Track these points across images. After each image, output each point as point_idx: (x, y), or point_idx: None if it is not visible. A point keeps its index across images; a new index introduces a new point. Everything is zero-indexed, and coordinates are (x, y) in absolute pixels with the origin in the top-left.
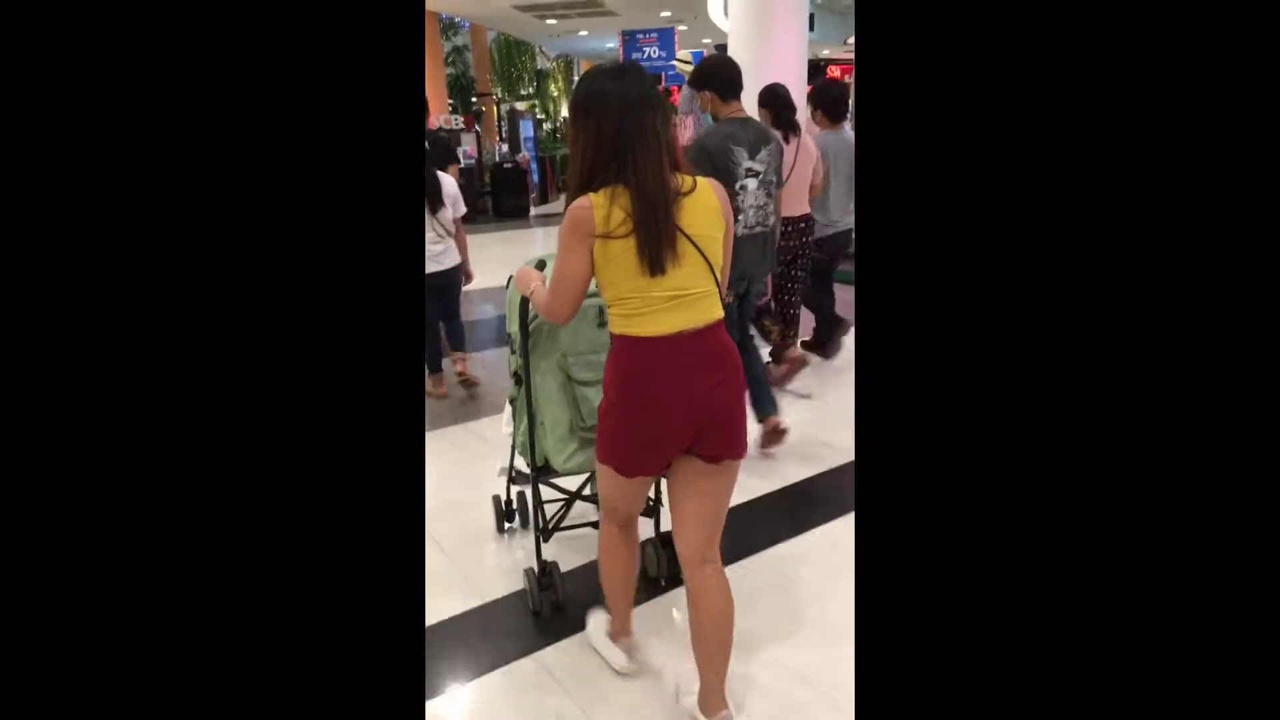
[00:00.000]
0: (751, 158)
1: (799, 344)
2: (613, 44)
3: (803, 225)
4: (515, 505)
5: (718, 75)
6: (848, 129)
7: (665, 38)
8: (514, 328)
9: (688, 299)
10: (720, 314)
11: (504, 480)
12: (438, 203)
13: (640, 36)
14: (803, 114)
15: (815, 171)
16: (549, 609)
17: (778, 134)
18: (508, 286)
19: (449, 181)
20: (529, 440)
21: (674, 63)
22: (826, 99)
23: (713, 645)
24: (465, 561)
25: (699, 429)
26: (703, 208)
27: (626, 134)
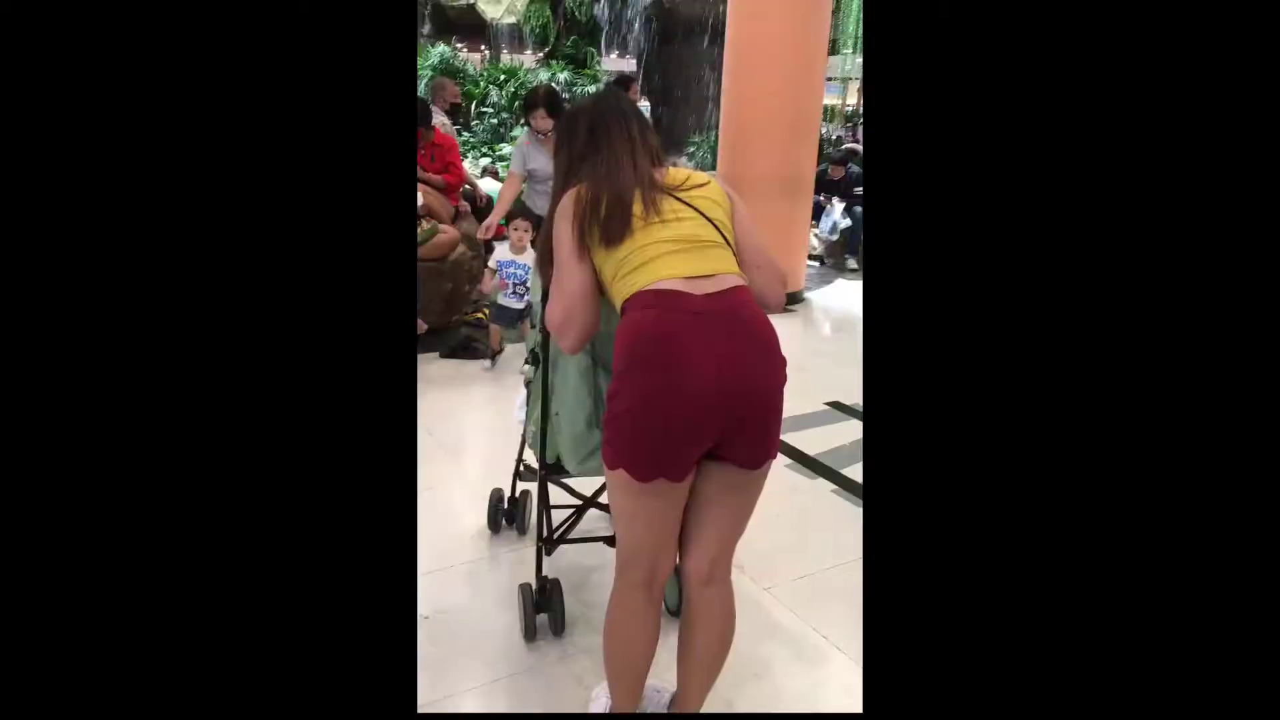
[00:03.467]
0: None
1: None
2: None
3: None
4: (519, 505)
5: None
6: None
7: None
8: (537, 297)
9: (696, 245)
10: (743, 278)
11: (509, 475)
12: None
13: None
14: None
15: None
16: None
17: None
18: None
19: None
20: (540, 433)
21: None
22: None
23: (709, 669)
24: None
25: (733, 416)
26: (706, 195)
27: (594, 140)
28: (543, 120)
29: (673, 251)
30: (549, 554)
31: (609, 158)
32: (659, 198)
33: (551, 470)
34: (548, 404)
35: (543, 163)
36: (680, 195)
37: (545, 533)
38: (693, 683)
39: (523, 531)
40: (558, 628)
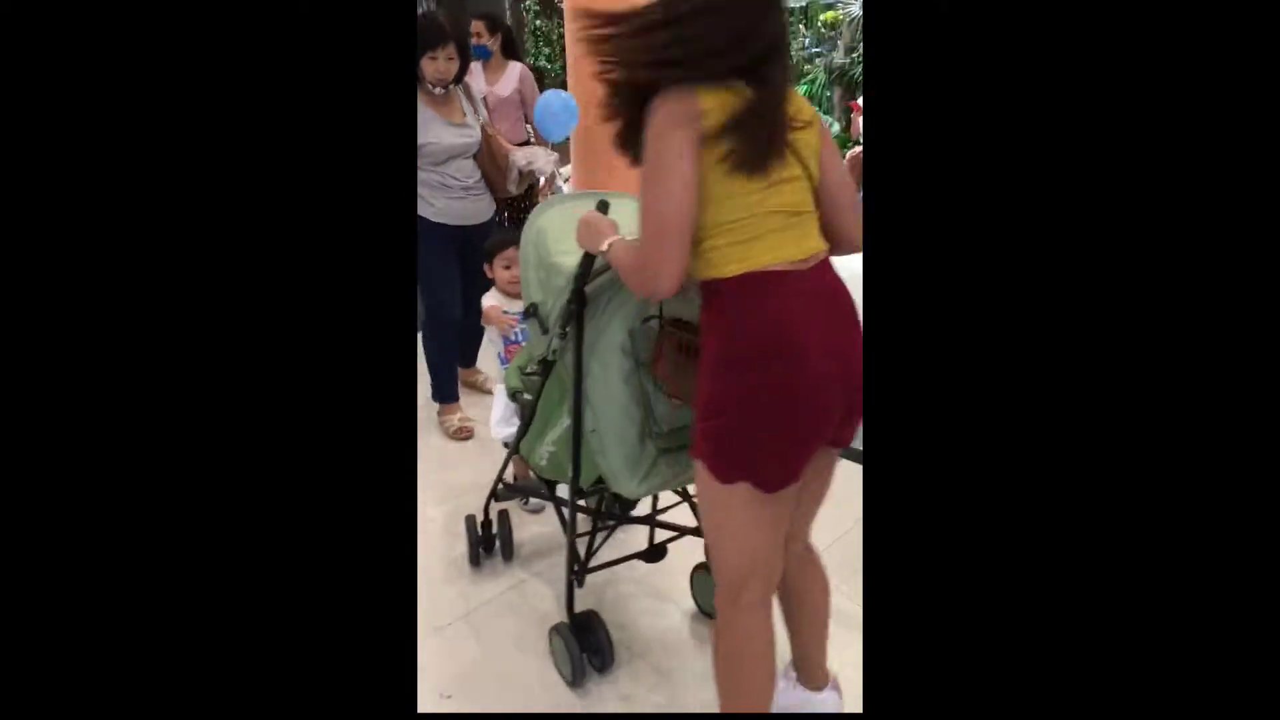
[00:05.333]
0: None
1: None
2: None
3: None
4: (495, 529)
5: None
6: None
7: None
8: (542, 296)
9: (801, 218)
10: (824, 242)
11: (482, 497)
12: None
13: None
14: None
15: None
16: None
17: None
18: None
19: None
20: (572, 453)
21: None
22: None
23: (821, 622)
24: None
25: (848, 400)
26: (809, 142)
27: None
28: (448, 62)
29: (782, 228)
30: (580, 585)
31: (771, 71)
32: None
33: (586, 494)
34: (580, 419)
35: (446, 134)
36: (800, 150)
37: (576, 564)
38: (816, 642)
39: (508, 557)
40: (605, 664)
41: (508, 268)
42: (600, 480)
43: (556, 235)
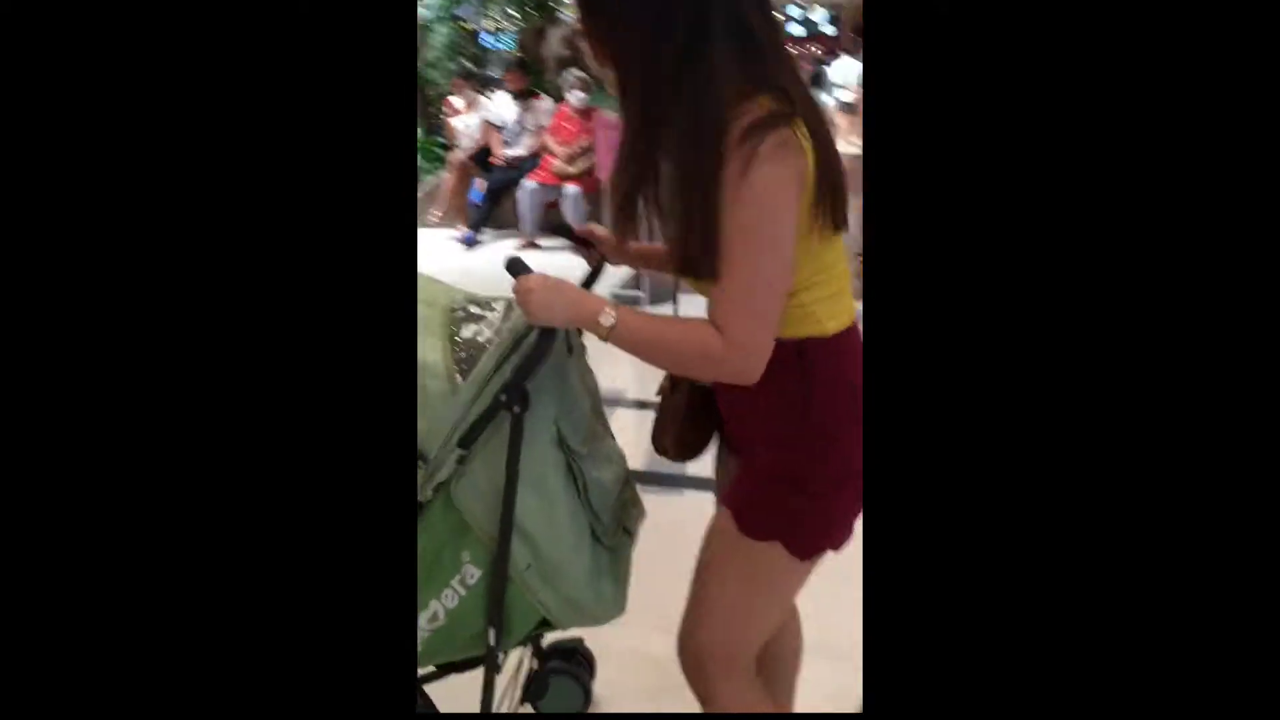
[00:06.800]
0: None
1: None
2: None
3: None
4: None
5: None
6: None
7: None
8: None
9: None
10: None
11: None
12: None
13: None
14: None
15: None
16: None
17: None
18: None
19: None
20: (490, 608)
21: None
22: None
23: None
24: None
25: None
26: None
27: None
28: None
29: (845, 284)
30: None
31: (777, 63)
32: None
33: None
34: (504, 556)
35: None
36: None
37: None
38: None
39: None
40: None
41: None
42: (543, 624)
43: None
